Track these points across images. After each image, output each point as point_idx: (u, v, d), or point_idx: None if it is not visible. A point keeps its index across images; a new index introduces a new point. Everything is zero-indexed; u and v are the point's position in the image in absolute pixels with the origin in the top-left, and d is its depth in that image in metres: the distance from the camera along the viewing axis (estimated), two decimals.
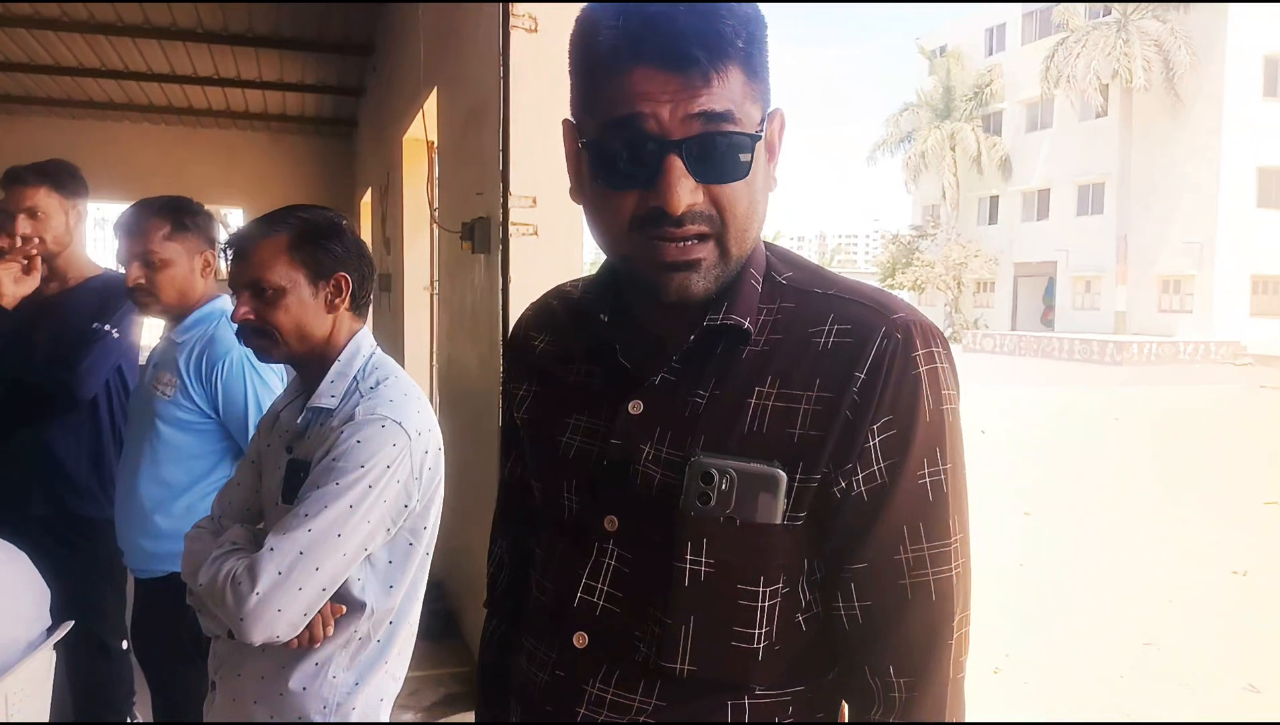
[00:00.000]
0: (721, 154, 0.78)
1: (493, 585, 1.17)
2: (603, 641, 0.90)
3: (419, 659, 3.79)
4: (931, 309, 35.30)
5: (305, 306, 1.54)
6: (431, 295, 5.53)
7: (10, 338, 2.51)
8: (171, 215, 2.16)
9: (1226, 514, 7.68)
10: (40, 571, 2.14)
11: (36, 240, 2.49)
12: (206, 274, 2.22)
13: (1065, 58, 28.66)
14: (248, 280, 1.54)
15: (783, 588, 0.86)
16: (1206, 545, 6.71)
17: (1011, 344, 27.99)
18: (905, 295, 36.52)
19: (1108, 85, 28.20)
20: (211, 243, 2.24)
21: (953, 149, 33.78)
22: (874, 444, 0.82)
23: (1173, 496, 8.33)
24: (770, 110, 0.84)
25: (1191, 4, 26.64)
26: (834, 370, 0.83)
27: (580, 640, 0.91)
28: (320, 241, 1.55)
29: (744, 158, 0.80)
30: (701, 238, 0.80)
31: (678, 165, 0.77)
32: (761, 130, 0.81)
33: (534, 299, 1.11)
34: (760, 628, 0.85)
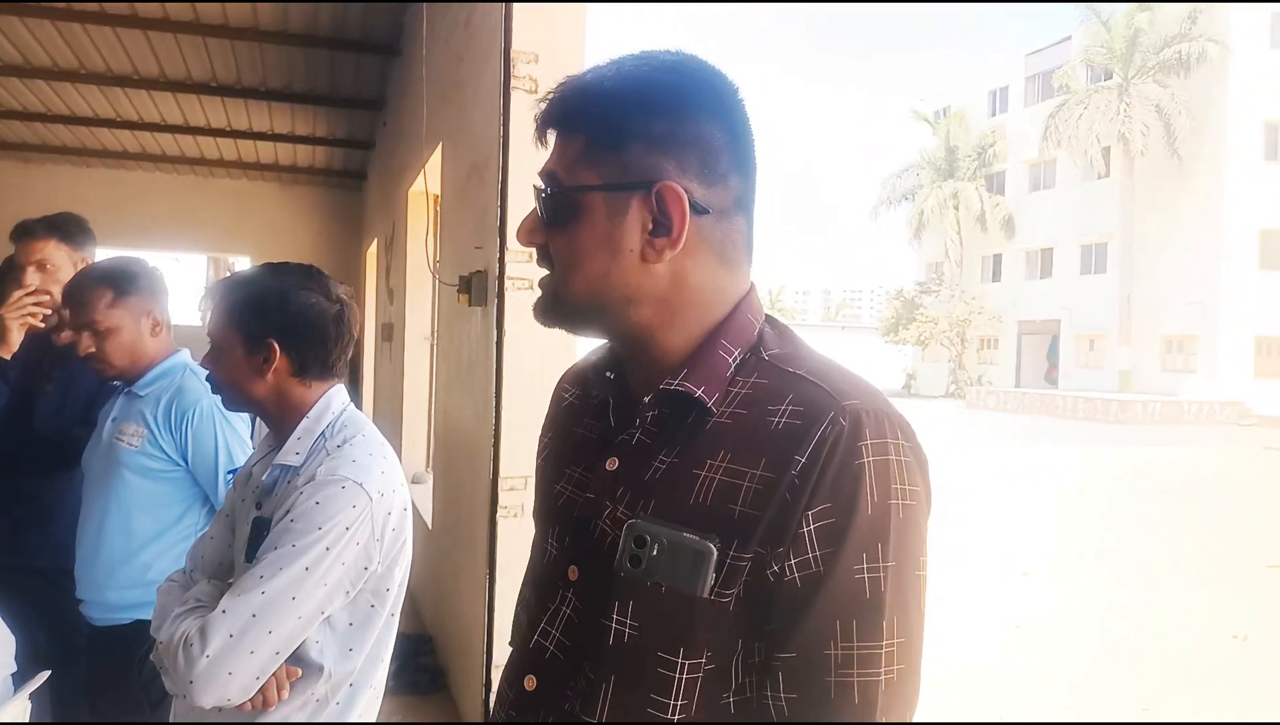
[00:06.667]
0: (541, 205, 0.91)
1: (515, 627, 1.20)
2: (547, 687, 0.93)
3: (406, 713, 3.77)
4: (935, 365, 35.32)
5: (239, 368, 1.58)
6: (432, 346, 5.58)
7: (18, 388, 2.54)
8: (112, 283, 2.16)
9: (1230, 578, 7.60)
10: (40, 622, 2.13)
11: (45, 293, 2.54)
12: (157, 333, 2.21)
13: (1066, 120, 29.07)
14: (208, 333, 1.62)
15: (706, 664, 0.84)
16: (1208, 610, 6.63)
17: (1015, 402, 27.95)
18: (909, 351, 36.58)
19: (1109, 147, 28.55)
20: (159, 302, 2.23)
21: (955, 207, 34.11)
22: (809, 530, 0.80)
23: (1176, 559, 8.24)
24: (655, 183, 0.86)
25: (1193, 69, 27.03)
26: (779, 450, 0.82)
27: (530, 683, 0.95)
28: (257, 309, 1.56)
29: (559, 212, 0.89)
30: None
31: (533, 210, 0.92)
32: (580, 189, 0.88)
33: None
34: (676, 699, 0.84)
